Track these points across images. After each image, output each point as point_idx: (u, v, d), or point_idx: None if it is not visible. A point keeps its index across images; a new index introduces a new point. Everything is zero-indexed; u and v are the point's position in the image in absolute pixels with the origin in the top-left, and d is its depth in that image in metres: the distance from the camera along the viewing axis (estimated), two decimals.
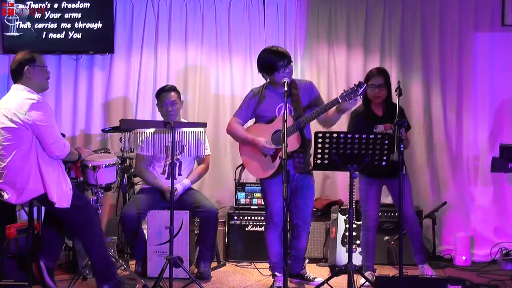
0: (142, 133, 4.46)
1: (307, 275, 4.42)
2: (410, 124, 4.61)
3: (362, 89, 3.82)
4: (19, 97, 3.76)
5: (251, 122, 4.38)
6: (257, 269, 4.76)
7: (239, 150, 4.30)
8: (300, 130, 4.06)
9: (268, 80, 4.20)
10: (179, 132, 4.24)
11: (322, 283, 4.08)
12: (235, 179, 4.63)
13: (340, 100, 3.87)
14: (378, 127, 4.33)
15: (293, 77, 4.23)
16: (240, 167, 4.43)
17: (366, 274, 4.33)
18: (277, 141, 4.06)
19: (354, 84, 3.86)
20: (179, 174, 4.72)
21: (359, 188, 4.44)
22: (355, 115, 4.42)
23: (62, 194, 3.79)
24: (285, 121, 3.67)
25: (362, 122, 4.34)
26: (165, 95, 4.69)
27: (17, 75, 3.85)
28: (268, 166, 4.14)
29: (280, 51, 4.09)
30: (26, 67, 3.82)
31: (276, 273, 4.27)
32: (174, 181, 4.12)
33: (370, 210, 4.41)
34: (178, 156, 4.68)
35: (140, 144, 4.52)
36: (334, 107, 3.95)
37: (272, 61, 4.06)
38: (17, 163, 3.71)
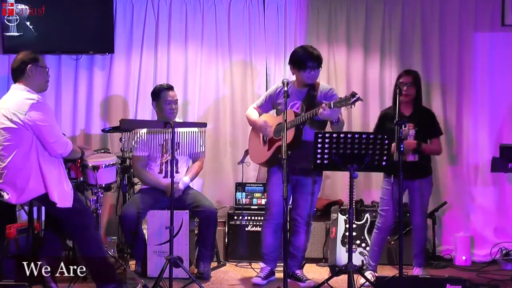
0: (136, 133, 4.45)
1: (299, 275, 4.43)
2: (441, 130, 4.60)
3: (354, 99, 3.87)
4: (19, 97, 3.75)
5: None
6: (254, 269, 4.76)
7: (249, 133, 4.61)
8: (298, 129, 4.13)
9: (293, 75, 4.37)
10: (175, 131, 4.23)
11: (322, 283, 4.09)
12: (240, 161, 4.86)
13: (332, 106, 3.96)
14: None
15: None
16: (247, 150, 4.68)
17: (367, 273, 4.35)
18: (277, 132, 4.28)
19: (350, 94, 3.91)
20: (176, 172, 4.69)
21: (382, 188, 4.50)
22: (383, 114, 4.48)
23: (63, 193, 3.79)
24: (285, 120, 3.83)
25: (389, 121, 4.34)
26: (167, 93, 4.67)
27: (19, 73, 3.83)
28: (263, 153, 4.37)
29: (315, 54, 4.24)
30: (29, 65, 3.82)
31: (260, 264, 4.47)
32: (174, 179, 4.11)
33: (386, 210, 4.44)
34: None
35: (135, 145, 4.51)
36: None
37: (304, 59, 4.23)
38: (18, 163, 3.70)
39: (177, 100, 4.73)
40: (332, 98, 4.26)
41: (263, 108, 4.54)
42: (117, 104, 5.49)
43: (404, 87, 4.38)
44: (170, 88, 4.74)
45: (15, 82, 3.86)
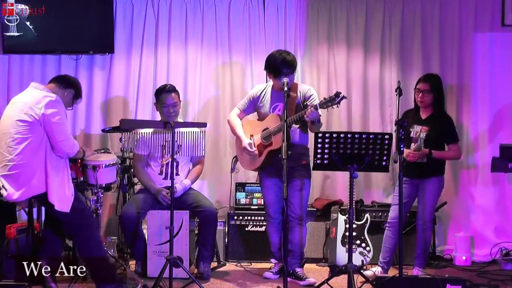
0: (138, 132, 4.45)
1: (299, 273, 4.46)
2: (457, 137, 4.61)
3: (339, 98, 3.96)
4: (37, 93, 3.81)
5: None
6: (246, 269, 4.76)
7: (235, 142, 4.69)
8: (285, 130, 4.16)
9: (270, 79, 4.48)
10: (176, 131, 4.24)
11: (322, 283, 4.09)
12: (231, 169, 4.92)
13: (319, 107, 4.05)
14: (415, 127, 4.48)
15: (296, 79, 4.51)
16: (235, 158, 4.79)
17: (375, 268, 4.52)
18: (265, 138, 4.41)
19: (334, 93, 4.00)
20: (177, 174, 4.69)
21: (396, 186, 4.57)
22: (405, 113, 4.56)
23: (63, 197, 3.79)
24: (285, 120, 3.90)
25: (407, 121, 4.39)
26: (166, 96, 4.64)
27: (65, 83, 4.01)
28: (255, 160, 4.46)
29: (288, 60, 4.31)
30: (71, 90, 4.01)
31: (271, 260, 4.66)
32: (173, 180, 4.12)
33: (394, 207, 4.50)
34: (175, 156, 4.65)
35: (136, 143, 4.50)
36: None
37: (278, 66, 4.30)
38: (25, 157, 3.72)
39: (176, 103, 4.67)
40: (310, 97, 4.40)
41: (246, 111, 4.65)
42: (117, 104, 5.48)
43: (419, 93, 4.46)
44: (170, 90, 4.68)
45: (51, 82, 3.98)
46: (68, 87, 4.00)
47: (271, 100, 4.45)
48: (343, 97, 3.97)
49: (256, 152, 4.42)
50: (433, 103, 4.49)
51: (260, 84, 4.80)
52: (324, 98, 4.04)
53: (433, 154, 4.37)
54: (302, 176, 4.42)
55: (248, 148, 4.43)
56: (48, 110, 3.73)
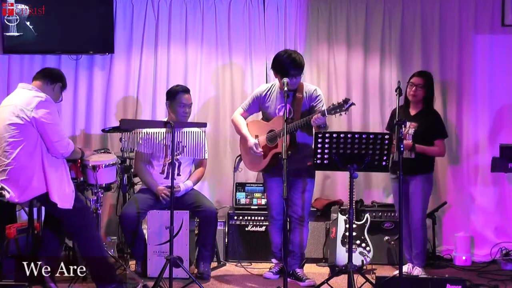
0: (142, 131, 4.44)
1: (299, 274, 4.45)
2: (446, 133, 4.63)
3: (348, 105, 3.93)
4: (27, 94, 3.79)
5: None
6: (246, 269, 4.77)
7: (239, 141, 4.63)
8: (292, 134, 4.20)
9: (276, 78, 4.42)
10: (180, 132, 4.24)
11: (322, 283, 4.09)
12: (234, 168, 4.95)
13: (326, 113, 4.02)
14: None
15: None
16: (239, 157, 4.76)
17: (404, 266, 4.43)
18: (270, 139, 4.33)
19: (342, 100, 3.97)
20: (178, 175, 4.69)
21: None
22: (393, 111, 4.58)
23: (63, 195, 3.79)
24: (285, 121, 3.87)
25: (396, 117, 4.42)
26: (182, 96, 4.66)
27: (52, 78, 3.96)
28: (259, 162, 4.43)
29: (297, 61, 4.27)
30: (59, 84, 3.98)
31: (272, 260, 4.64)
32: (175, 180, 4.11)
33: (395, 205, 4.59)
34: (177, 157, 4.66)
35: (140, 141, 4.48)
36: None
37: (286, 66, 4.24)
38: (22, 160, 3.71)
39: (191, 104, 4.72)
40: (317, 98, 4.36)
41: (250, 111, 4.60)
42: (117, 104, 5.49)
43: (413, 87, 4.48)
44: (187, 91, 4.72)
45: (35, 79, 3.93)
46: (56, 81, 3.97)
47: (277, 100, 4.40)
48: (352, 104, 3.93)
49: (262, 153, 4.38)
50: (424, 99, 4.50)
51: (265, 84, 4.78)
52: (332, 104, 4.00)
53: (416, 148, 4.37)
54: (306, 177, 4.40)
55: (254, 148, 4.38)
56: (39, 111, 3.71)
